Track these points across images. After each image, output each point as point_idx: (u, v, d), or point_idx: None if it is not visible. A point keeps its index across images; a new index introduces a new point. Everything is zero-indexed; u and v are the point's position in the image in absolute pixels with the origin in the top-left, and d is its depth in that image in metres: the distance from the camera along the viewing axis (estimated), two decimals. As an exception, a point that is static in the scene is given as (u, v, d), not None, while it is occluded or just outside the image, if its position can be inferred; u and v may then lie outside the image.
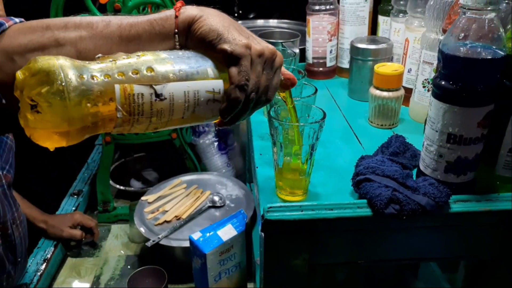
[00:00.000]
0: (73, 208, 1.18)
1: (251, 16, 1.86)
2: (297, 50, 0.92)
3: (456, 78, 0.53)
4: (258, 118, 0.86)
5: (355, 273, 0.85)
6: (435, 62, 0.76)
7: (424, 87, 0.80)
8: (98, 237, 1.15)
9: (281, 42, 0.93)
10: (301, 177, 0.60)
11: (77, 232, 1.10)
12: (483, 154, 0.58)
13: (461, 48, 0.52)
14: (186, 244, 0.95)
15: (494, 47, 0.52)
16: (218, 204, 1.06)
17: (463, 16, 0.53)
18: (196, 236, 0.86)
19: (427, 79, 0.79)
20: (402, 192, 0.56)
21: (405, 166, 0.64)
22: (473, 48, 0.52)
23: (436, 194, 0.56)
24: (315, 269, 0.62)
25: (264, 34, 1.01)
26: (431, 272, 0.90)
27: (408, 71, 0.86)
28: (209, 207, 1.06)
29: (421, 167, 0.62)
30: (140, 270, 0.90)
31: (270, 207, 0.57)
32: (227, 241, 0.86)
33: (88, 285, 1.01)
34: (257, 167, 0.70)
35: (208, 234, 0.86)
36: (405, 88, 0.83)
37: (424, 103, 0.80)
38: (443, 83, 0.55)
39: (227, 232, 0.87)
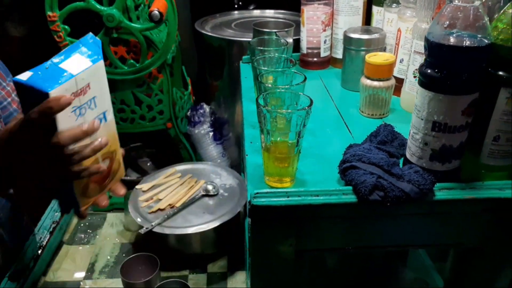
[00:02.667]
0: None
1: (251, 7, 1.86)
2: (290, 40, 0.92)
3: (441, 66, 0.54)
4: (251, 107, 0.87)
5: (344, 262, 0.86)
6: (426, 52, 0.77)
7: (415, 77, 0.80)
8: (92, 224, 1.15)
9: (275, 32, 0.93)
10: (288, 165, 0.61)
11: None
12: (467, 143, 0.59)
13: (446, 36, 0.53)
14: (179, 231, 0.97)
15: (479, 35, 0.52)
16: (211, 193, 1.07)
17: (449, 4, 0.53)
18: (25, 76, 0.54)
19: (418, 69, 0.79)
20: (387, 179, 0.57)
21: (392, 154, 0.65)
22: (458, 37, 0.52)
23: (420, 181, 0.57)
24: (302, 255, 0.63)
25: (258, 23, 1.01)
26: (421, 262, 0.91)
27: (400, 61, 0.86)
28: (203, 195, 1.07)
29: (407, 155, 0.62)
30: (133, 257, 0.92)
31: (257, 193, 0.57)
32: (80, 75, 0.57)
33: (83, 272, 1.02)
34: (246, 155, 0.70)
35: (46, 68, 0.55)
36: (397, 78, 0.84)
37: (414, 93, 0.80)
38: (428, 71, 0.55)
39: (78, 64, 0.57)
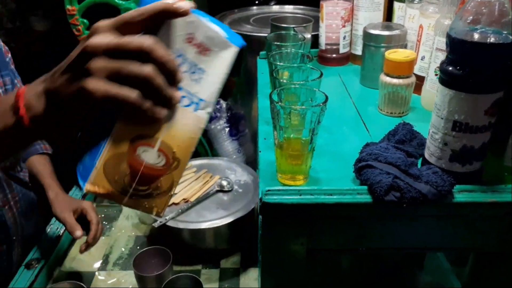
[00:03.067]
0: (91, 202, 1.20)
1: (272, 3, 1.84)
2: (309, 36, 0.91)
3: (464, 63, 0.51)
4: (266, 103, 0.85)
5: (357, 262, 0.84)
6: (449, 49, 0.74)
7: (436, 75, 0.77)
8: (108, 216, 1.16)
9: (293, 27, 0.92)
10: (301, 162, 0.59)
11: (71, 225, 0.96)
12: (490, 144, 0.56)
13: (470, 32, 0.50)
14: (193, 226, 0.97)
15: (504, 31, 0.50)
16: (226, 189, 1.07)
17: (473, -1, 0.51)
18: None
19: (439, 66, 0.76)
20: (404, 180, 0.55)
21: (410, 154, 0.63)
22: (482, 33, 0.50)
23: (439, 182, 0.55)
24: (315, 255, 0.61)
25: (276, 19, 1.00)
26: (439, 265, 0.89)
27: (421, 59, 0.84)
28: (217, 191, 1.07)
29: (426, 156, 0.60)
30: (146, 250, 0.92)
31: (268, 190, 0.56)
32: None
33: (98, 263, 1.03)
34: (260, 151, 0.69)
35: None
36: (418, 76, 0.81)
37: (436, 91, 0.78)
38: (450, 68, 0.53)
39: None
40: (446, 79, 0.54)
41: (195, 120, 0.47)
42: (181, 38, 0.48)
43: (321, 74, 0.65)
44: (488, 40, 0.49)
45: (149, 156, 0.45)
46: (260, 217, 0.58)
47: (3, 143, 0.46)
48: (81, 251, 0.96)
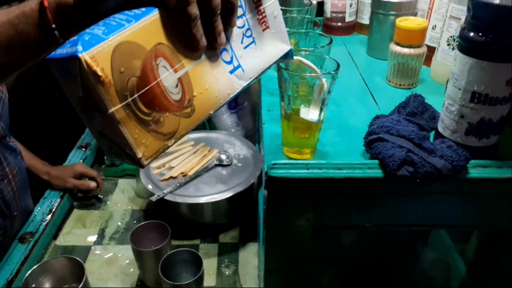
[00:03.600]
0: (80, 161, 1.17)
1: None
2: (314, 2, 0.86)
3: (487, 29, 0.48)
4: (269, 73, 0.81)
5: (362, 238, 0.83)
6: (463, 17, 0.70)
7: (449, 45, 0.74)
8: (103, 189, 1.14)
9: (298, -8, 0.87)
10: (309, 135, 0.56)
11: (83, 182, 1.09)
12: (509, 117, 0.53)
13: (496, -5, 0.46)
14: (191, 200, 0.94)
15: (533, -6, 0.46)
16: (225, 163, 1.04)
17: (501, -42, 0.46)
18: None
19: (453, 36, 0.73)
20: (417, 154, 0.52)
21: (422, 127, 0.60)
22: (509, -5, 0.46)
23: (454, 157, 0.52)
24: (320, 231, 0.59)
25: (280, -16, 0.94)
26: (442, 242, 0.87)
27: (433, 28, 0.80)
28: (216, 165, 1.04)
29: (440, 129, 0.57)
30: (144, 224, 0.89)
31: (275, 164, 0.53)
32: None
33: (94, 237, 1.01)
34: (264, 124, 0.66)
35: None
36: (427, 46, 0.77)
37: (447, 63, 0.75)
38: (471, 34, 0.49)
39: None
40: (466, 46, 0.50)
41: (226, 80, 0.44)
42: None
43: (331, 41, 0.61)
44: (516, 4, 0.46)
45: (168, 77, 0.39)
46: (265, 191, 0.55)
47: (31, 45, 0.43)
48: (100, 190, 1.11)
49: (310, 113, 0.53)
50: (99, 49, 0.34)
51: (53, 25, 0.42)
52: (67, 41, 0.35)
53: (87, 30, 0.36)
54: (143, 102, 0.37)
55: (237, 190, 0.96)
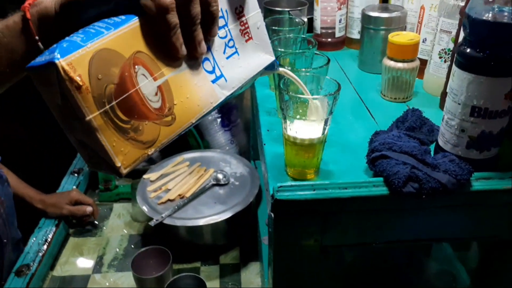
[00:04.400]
0: (74, 187, 1.15)
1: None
2: (305, 19, 0.87)
3: (484, 45, 0.49)
4: (264, 92, 0.82)
5: (366, 253, 0.82)
6: (454, 31, 0.71)
7: (440, 57, 0.75)
8: (98, 215, 1.12)
9: (288, 11, 0.87)
10: (313, 155, 0.56)
11: (79, 208, 1.08)
12: (507, 128, 0.54)
13: (491, 12, 0.47)
14: (191, 223, 0.93)
15: (527, 10, 0.47)
16: (222, 182, 1.03)
17: (493, -24, 0.48)
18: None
19: (445, 49, 0.74)
20: (422, 170, 0.53)
21: (422, 141, 0.60)
22: (503, 12, 0.47)
23: (457, 171, 0.53)
24: (328, 251, 0.59)
25: (269, 2, 0.95)
26: (443, 251, 0.88)
27: (423, 41, 0.81)
28: (213, 185, 1.03)
29: (440, 143, 0.58)
30: (144, 250, 0.88)
31: (280, 186, 0.53)
32: None
33: (91, 265, 0.99)
34: (264, 144, 0.66)
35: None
36: (419, 59, 0.79)
37: (440, 75, 0.76)
38: (468, 50, 0.50)
39: None
40: (464, 62, 0.51)
41: (209, 89, 0.44)
42: (234, 3, 0.45)
43: (329, 60, 0.62)
44: (510, 20, 0.47)
45: (147, 85, 0.39)
46: (272, 214, 0.55)
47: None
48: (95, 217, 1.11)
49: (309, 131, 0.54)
50: (77, 55, 0.34)
51: (36, 37, 0.42)
52: (46, 50, 0.36)
53: (66, 38, 0.36)
54: (122, 110, 0.37)
55: (236, 210, 0.95)
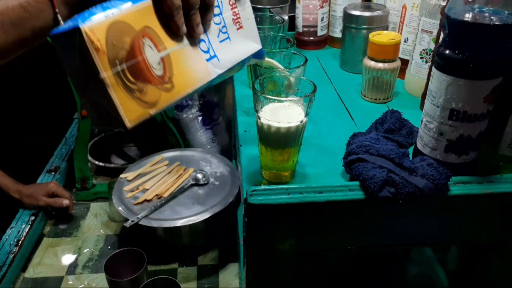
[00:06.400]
0: (55, 180, 1.12)
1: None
2: (286, 17, 0.85)
3: (463, 46, 0.47)
4: (243, 92, 0.80)
5: (345, 257, 0.81)
6: (435, 31, 0.70)
7: (422, 58, 0.74)
8: (75, 215, 1.09)
9: (269, 8, 0.85)
10: (288, 158, 0.55)
11: (56, 200, 1.05)
12: (486, 132, 0.53)
13: (470, 12, 0.46)
14: (167, 224, 0.91)
15: (506, 12, 0.46)
16: (201, 182, 1.01)
17: (473, -25, 0.46)
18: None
19: (426, 49, 0.73)
20: (398, 174, 0.51)
21: (401, 144, 0.59)
22: (483, 12, 0.46)
23: (435, 175, 0.51)
24: (303, 255, 0.57)
25: (250, -1, 0.93)
26: (423, 253, 0.87)
27: (405, 41, 0.80)
28: (192, 185, 1.01)
29: (419, 146, 0.57)
30: (118, 252, 0.85)
31: (254, 190, 0.51)
32: None
33: (65, 266, 0.96)
34: (241, 146, 0.64)
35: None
36: (400, 59, 0.77)
37: (421, 76, 0.75)
38: (447, 52, 0.49)
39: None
40: (443, 64, 0.49)
41: (204, 66, 0.52)
42: None
43: (306, 60, 0.60)
44: (490, 21, 0.45)
45: (152, 55, 0.46)
46: (245, 219, 0.53)
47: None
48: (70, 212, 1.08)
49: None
50: (97, 23, 0.41)
51: (56, 10, 0.50)
52: (68, 19, 0.42)
53: (87, 10, 0.43)
54: (130, 72, 0.44)
55: (215, 211, 0.93)
